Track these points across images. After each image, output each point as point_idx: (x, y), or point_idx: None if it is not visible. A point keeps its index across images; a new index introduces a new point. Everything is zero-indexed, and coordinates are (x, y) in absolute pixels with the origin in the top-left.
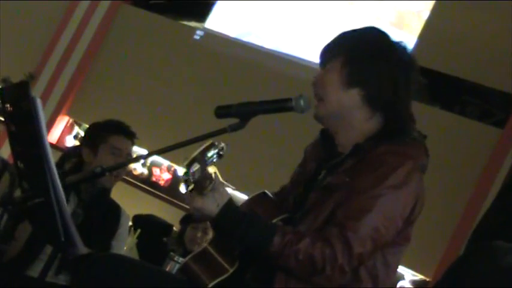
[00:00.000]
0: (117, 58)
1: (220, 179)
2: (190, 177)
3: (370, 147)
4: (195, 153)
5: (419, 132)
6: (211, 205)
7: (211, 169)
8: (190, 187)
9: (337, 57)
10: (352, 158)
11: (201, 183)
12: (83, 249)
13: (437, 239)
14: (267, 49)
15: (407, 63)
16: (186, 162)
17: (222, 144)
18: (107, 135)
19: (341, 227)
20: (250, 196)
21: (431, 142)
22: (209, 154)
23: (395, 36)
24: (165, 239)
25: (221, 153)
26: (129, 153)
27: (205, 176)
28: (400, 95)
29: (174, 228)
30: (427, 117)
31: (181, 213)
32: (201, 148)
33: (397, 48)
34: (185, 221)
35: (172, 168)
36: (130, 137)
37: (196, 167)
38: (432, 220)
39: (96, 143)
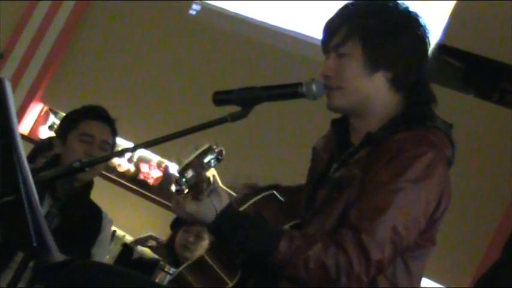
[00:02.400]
0: (98, 37)
1: (220, 183)
2: (184, 186)
3: (385, 135)
4: (190, 158)
5: (443, 121)
6: (207, 210)
7: (209, 172)
8: (183, 194)
9: (351, 39)
10: (364, 148)
11: (197, 188)
12: (58, 256)
13: (473, 248)
14: (272, 25)
15: (427, 36)
16: (179, 168)
17: (221, 148)
18: (77, 121)
19: (355, 230)
20: (256, 198)
21: (464, 135)
22: (206, 159)
23: (420, 13)
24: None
25: (220, 157)
26: (105, 141)
27: (202, 181)
28: (426, 74)
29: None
30: (459, 106)
31: (173, 216)
32: (197, 152)
33: (414, 17)
34: (176, 224)
35: (163, 165)
36: (107, 122)
37: (190, 174)
38: (465, 226)
39: (66, 131)
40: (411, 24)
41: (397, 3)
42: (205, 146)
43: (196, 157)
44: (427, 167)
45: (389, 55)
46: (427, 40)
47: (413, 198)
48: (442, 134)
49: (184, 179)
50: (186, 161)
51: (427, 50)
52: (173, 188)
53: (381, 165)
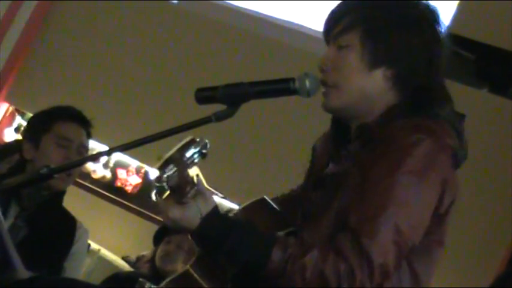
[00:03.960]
0: (68, 31)
1: (205, 184)
2: (165, 184)
3: (378, 125)
4: (171, 152)
5: (451, 111)
6: (192, 215)
7: (193, 171)
8: (165, 194)
9: (352, 30)
10: (357, 141)
11: (180, 189)
12: (23, 273)
13: (491, 252)
14: (264, 15)
15: (440, 30)
16: (158, 164)
17: (205, 141)
18: (50, 123)
19: (354, 233)
20: (246, 204)
21: (478, 134)
22: (188, 153)
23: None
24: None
25: (204, 151)
26: (82, 145)
27: (185, 180)
28: (436, 72)
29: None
30: (471, 102)
31: (154, 228)
32: (178, 146)
33: (426, 9)
34: (159, 238)
35: (142, 170)
36: (83, 124)
37: (172, 169)
38: (482, 229)
39: (38, 134)
40: (423, 20)
41: None
42: (187, 139)
43: (177, 151)
44: (425, 155)
45: (392, 50)
46: (440, 40)
47: (414, 192)
48: (444, 123)
49: (165, 176)
50: (167, 155)
51: (439, 52)
52: (153, 185)
53: (375, 159)
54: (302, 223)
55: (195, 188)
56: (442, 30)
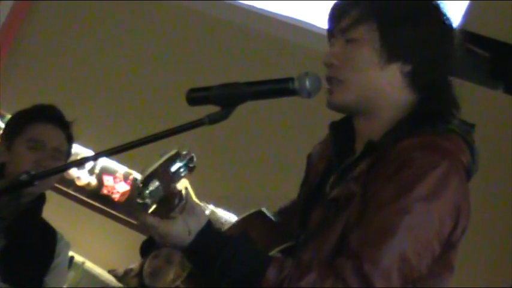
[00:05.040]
0: (51, 28)
1: (194, 197)
2: (148, 200)
3: (389, 142)
4: (154, 166)
5: (461, 121)
6: (181, 231)
7: (181, 184)
8: (151, 209)
9: (364, 22)
10: (365, 161)
11: (167, 203)
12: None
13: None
14: (261, 10)
15: (451, 23)
16: (141, 178)
17: (192, 154)
18: (24, 124)
19: (356, 258)
20: (242, 216)
21: (493, 137)
22: (173, 167)
23: None
24: None
25: (191, 165)
26: (57, 148)
27: (172, 193)
28: (450, 70)
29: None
30: (484, 103)
31: (142, 239)
32: (162, 159)
33: (437, 4)
34: (147, 249)
35: (130, 177)
36: (61, 126)
37: (154, 184)
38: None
39: (12, 136)
40: (438, 11)
41: None
42: (172, 152)
43: (161, 165)
44: (440, 180)
45: (410, 43)
46: (453, 31)
47: (424, 218)
48: (458, 138)
49: (147, 191)
50: (150, 169)
51: (454, 44)
52: (137, 201)
53: (384, 180)
54: (302, 242)
55: (183, 201)
56: (452, 24)
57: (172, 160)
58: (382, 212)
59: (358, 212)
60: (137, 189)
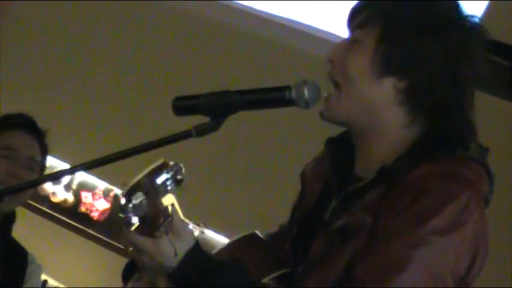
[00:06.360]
0: (24, 26)
1: (181, 215)
2: (131, 215)
3: (403, 168)
4: (138, 178)
5: (478, 146)
6: (167, 252)
7: (167, 200)
8: (134, 226)
9: (367, 26)
10: (376, 188)
11: (151, 220)
12: None
13: None
14: (259, 11)
15: (474, 42)
16: (124, 191)
17: (180, 165)
18: None
19: None
20: (234, 239)
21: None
22: (160, 179)
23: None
24: None
25: (179, 177)
26: (31, 157)
27: (157, 210)
28: (460, 91)
29: None
30: (504, 117)
31: (124, 262)
32: (147, 170)
33: (460, 15)
34: (129, 272)
35: (111, 194)
36: (34, 134)
37: (139, 198)
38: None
39: None
40: (452, 24)
41: None
42: (158, 162)
43: (146, 176)
44: (460, 213)
45: (408, 58)
46: (473, 47)
47: (439, 253)
48: (477, 166)
49: (130, 205)
50: (133, 181)
51: (472, 60)
52: (119, 216)
53: (397, 210)
54: (302, 272)
55: (169, 219)
56: (479, 38)
57: (158, 171)
58: (393, 244)
59: (366, 242)
60: (119, 203)
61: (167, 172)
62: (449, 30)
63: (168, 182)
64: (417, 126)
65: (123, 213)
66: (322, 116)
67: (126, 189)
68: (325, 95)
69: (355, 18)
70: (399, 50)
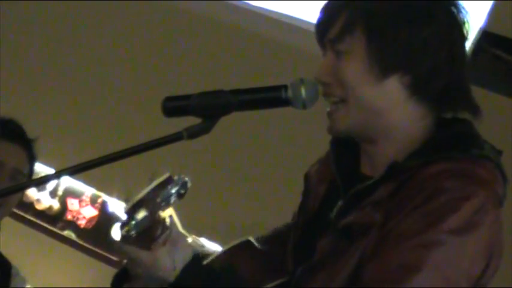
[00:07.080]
0: (8, 26)
1: (179, 227)
2: (133, 231)
3: (415, 166)
4: (142, 194)
5: (492, 146)
6: (163, 265)
7: (165, 212)
8: (132, 237)
9: (352, 31)
10: (386, 185)
11: (149, 232)
12: None
13: None
14: (256, 7)
15: (461, 19)
16: (127, 206)
17: (185, 179)
18: None
19: None
20: (228, 246)
21: None
22: (164, 195)
23: None
24: None
25: (182, 191)
26: (18, 169)
27: (155, 222)
28: (460, 72)
29: None
30: (508, 117)
31: (113, 272)
32: (152, 185)
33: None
34: (119, 283)
35: (99, 200)
36: (21, 143)
37: (142, 215)
38: None
39: None
40: (436, 5)
41: None
42: (164, 177)
43: (150, 191)
44: (475, 213)
45: (405, 51)
46: (461, 24)
47: (454, 254)
48: (493, 166)
49: (134, 222)
50: (137, 197)
51: (463, 38)
52: (118, 233)
53: (411, 209)
54: (304, 274)
55: (167, 232)
56: (459, 13)
57: (163, 186)
58: (405, 245)
59: (376, 243)
60: (121, 220)
61: (172, 187)
62: (436, 12)
63: (172, 197)
64: (426, 120)
65: (126, 231)
66: (330, 131)
67: (130, 205)
68: (328, 110)
69: (329, 30)
70: (392, 47)
